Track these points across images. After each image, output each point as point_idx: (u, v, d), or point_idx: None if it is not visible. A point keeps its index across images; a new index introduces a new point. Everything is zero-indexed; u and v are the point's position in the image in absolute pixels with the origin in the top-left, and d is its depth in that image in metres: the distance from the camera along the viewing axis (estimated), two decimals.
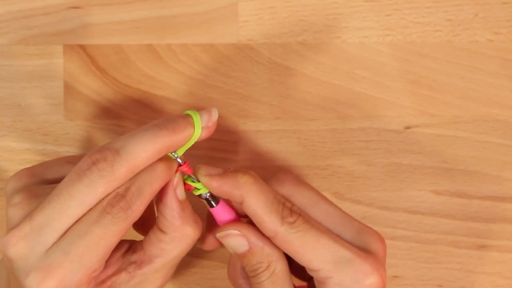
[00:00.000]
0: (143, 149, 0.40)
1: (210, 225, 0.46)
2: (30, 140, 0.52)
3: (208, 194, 0.44)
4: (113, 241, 0.40)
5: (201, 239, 0.45)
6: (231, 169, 0.43)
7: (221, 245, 0.44)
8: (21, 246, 0.39)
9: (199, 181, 0.43)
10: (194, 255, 0.52)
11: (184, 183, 0.43)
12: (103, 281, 0.42)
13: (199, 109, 0.44)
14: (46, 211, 0.39)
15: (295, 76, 0.53)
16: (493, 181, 0.53)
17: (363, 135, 0.53)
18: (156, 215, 0.43)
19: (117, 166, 0.40)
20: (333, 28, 0.53)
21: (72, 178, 0.40)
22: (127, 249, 0.44)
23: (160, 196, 0.43)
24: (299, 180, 0.44)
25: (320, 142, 0.53)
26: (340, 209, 0.44)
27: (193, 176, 0.43)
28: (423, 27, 0.53)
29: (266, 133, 0.53)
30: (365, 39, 0.53)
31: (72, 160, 0.45)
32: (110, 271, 0.43)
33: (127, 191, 0.40)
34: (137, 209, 0.40)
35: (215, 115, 0.43)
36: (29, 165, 0.52)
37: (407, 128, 0.53)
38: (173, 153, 0.42)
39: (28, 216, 0.40)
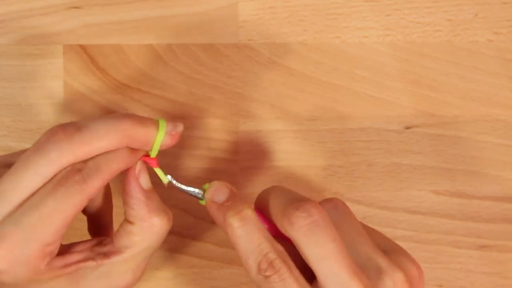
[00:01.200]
0: (105, 130, 0.40)
1: None
2: (30, 140, 0.52)
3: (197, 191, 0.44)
4: (68, 215, 0.39)
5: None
6: (236, 198, 0.42)
7: None
8: None
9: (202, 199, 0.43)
10: (194, 255, 0.52)
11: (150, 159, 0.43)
12: (67, 265, 0.41)
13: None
14: (2, 184, 0.39)
15: (295, 76, 0.53)
16: (493, 181, 0.53)
17: (363, 135, 0.53)
18: (124, 208, 0.43)
19: (76, 140, 0.39)
20: (333, 28, 0.53)
21: (30, 150, 0.40)
22: (97, 242, 0.43)
23: (124, 186, 0.42)
24: (315, 227, 0.40)
25: (320, 142, 0.53)
26: (346, 269, 0.39)
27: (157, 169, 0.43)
28: (423, 27, 0.53)
29: (266, 133, 0.53)
30: (365, 39, 0.53)
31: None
32: (76, 257, 0.42)
33: (84, 165, 0.40)
34: (93, 185, 0.40)
35: (180, 127, 0.42)
36: None
37: (407, 128, 0.53)
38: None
39: None
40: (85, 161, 0.40)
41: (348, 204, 0.52)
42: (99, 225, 0.46)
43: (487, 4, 0.53)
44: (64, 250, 0.42)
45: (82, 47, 0.52)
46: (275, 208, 0.41)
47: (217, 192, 0.42)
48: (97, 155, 0.40)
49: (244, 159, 0.52)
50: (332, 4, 0.53)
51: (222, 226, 0.41)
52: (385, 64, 0.53)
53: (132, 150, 0.42)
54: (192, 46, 0.53)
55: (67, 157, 0.39)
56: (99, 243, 0.43)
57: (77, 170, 0.39)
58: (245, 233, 0.40)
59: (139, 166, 0.42)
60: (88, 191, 0.40)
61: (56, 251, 0.41)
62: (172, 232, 0.52)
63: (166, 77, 0.52)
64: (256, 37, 0.53)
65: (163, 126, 0.42)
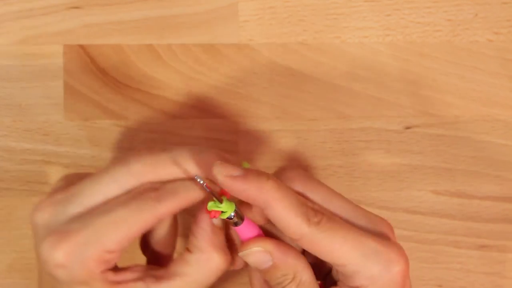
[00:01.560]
0: (196, 161, 0.40)
1: (232, 244, 0.45)
2: (30, 140, 0.52)
3: (233, 215, 0.42)
4: (134, 228, 0.39)
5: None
6: (252, 170, 0.41)
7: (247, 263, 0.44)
8: (47, 212, 0.40)
9: (221, 203, 0.42)
10: None
11: (209, 211, 0.42)
12: (118, 282, 0.42)
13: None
14: (82, 185, 0.40)
15: (295, 76, 0.53)
16: (493, 181, 0.53)
17: (363, 135, 0.53)
18: (189, 237, 0.43)
19: (161, 160, 0.40)
20: (333, 28, 0.53)
21: (116, 161, 0.41)
22: (153, 267, 0.43)
23: (196, 217, 0.42)
24: (309, 177, 0.44)
25: (320, 142, 0.53)
26: (351, 202, 0.43)
27: (216, 197, 0.41)
28: (423, 27, 0.53)
29: (266, 133, 0.53)
30: (365, 39, 0.53)
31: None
32: (129, 276, 0.42)
33: (162, 186, 0.40)
34: (166, 206, 0.40)
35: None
36: (29, 165, 0.52)
37: (407, 128, 0.53)
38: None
39: (64, 188, 0.41)
40: (164, 183, 0.40)
41: None
42: (158, 257, 0.46)
43: (487, 4, 0.53)
44: (120, 268, 0.42)
45: (82, 47, 0.52)
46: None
47: (229, 167, 0.40)
48: (177, 180, 0.41)
49: (244, 159, 0.52)
50: (332, 4, 0.53)
51: (254, 199, 0.40)
52: (385, 64, 0.53)
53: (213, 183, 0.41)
54: (192, 46, 0.53)
55: (148, 173, 0.40)
56: (154, 268, 0.43)
57: (154, 189, 0.40)
58: (284, 192, 0.41)
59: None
60: (159, 211, 0.40)
61: (114, 262, 0.41)
62: None
63: (166, 77, 0.52)
64: (256, 37, 0.53)
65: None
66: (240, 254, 0.42)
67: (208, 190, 0.40)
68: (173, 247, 0.46)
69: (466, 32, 0.53)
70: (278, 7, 0.53)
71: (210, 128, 0.52)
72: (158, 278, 0.42)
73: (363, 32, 0.53)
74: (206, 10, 0.53)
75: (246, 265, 0.44)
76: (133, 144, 0.52)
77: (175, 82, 0.52)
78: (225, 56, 0.53)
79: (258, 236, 0.43)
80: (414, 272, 0.53)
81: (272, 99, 0.53)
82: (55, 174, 0.52)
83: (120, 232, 0.39)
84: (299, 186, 0.43)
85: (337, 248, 0.41)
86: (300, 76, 0.53)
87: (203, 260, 0.42)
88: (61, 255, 0.39)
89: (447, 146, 0.53)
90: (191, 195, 0.41)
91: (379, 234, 0.42)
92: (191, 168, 0.41)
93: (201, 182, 0.40)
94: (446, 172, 0.53)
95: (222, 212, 0.41)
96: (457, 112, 0.53)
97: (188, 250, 0.42)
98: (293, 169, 0.44)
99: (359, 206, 0.43)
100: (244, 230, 0.42)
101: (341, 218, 0.42)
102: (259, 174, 0.41)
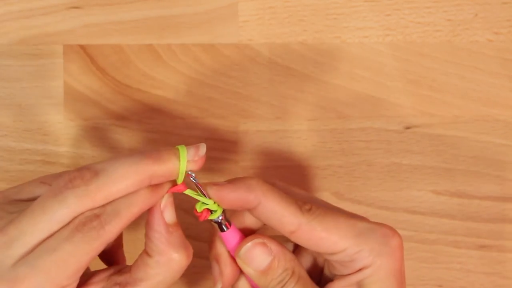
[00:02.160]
0: (123, 173, 0.39)
1: (220, 262, 0.44)
2: (30, 140, 0.52)
3: (220, 218, 0.42)
4: (84, 259, 0.39)
5: (216, 279, 0.44)
6: (231, 179, 0.42)
7: (239, 274, 0.43)
8: None
9: (207, 203, 0.42)
10: (194, 255, 0.52)
11: (198, 213, 0.42)
12: None
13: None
14: (19, 225, 0.39)
15: (295, 76, 0.53)
16: (493, 181, 0.53)
17: (363, 135, 0.53)
18: (145, 239, 0.42)
19: (93, 186, 0.39)
20: (333, 28, 0.53)
21: (48, 194, 0.39)
22: (114, 271, 0.43)
23: (147, 218, 0.42)
24: (265, 184, 0.42)
25: (320, 142, 0.53)
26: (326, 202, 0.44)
27: (197, 194, 0.42)
28: (423, 27, 0.53)
29: (266, 133, 0.53)
30: (365, 39, 0.53)
31: (46, 181, 0.43)
32: None
33: (102, 211, 0.39)
34: (111, 230, 0.39)
35: (202, 150, 0.41)
36: (29, 165, 0.52)
37: (407, 128, 0.53)
38: (190, 172, 0.41)
39: (0, 230, 0.39)
40: (104, 206, 0.39)
41: (348, 204, 0.52)
42: (111, 257, 0.46)
43: (487, 4, 0.53)
44: (82, 281, 0.42)
45: (82, 47, 0.52)
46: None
47: (215, 183, 0.41)
48: (116, 199, 0.40)
49: (244, 159, 0.52)
50: (332, 4, 0.53)
51: (245, 199, 0.41)
52: (385, 64, 0.53)
53: (155, 187, 0.41)
54: (192, 46, 0.53)
55: (85, 203, 0.39)
56: (118, 272, 0.43)
57: (95, 216, 0.39)
58: (270, 187, 0.41)
59: (165, 200, 0.41)
60: (105, 236, 0.39)
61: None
62: None
63: (166, 77, 0.52)
64: (256, 37, 0.53)
65: (184, 154, 0.41)
66: (239, 254, 0.42)
67: (199, 187, 0.41)
68: (121, 246, 0.46)
69: (466, 32, 0.53)
70: (278, 7, 0.53)
71: (210, 128, 0.52)
72: (123, 285, 0.41)
73: (363, 32, 0.53)
74: (206, 10, 0.53)
75: (236, 277, 0.43)
76: (133, 144, 0.52)
77: (175, 82, 0.52)
78: (225, 56, 0.53)
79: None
80: (414, 272, 0.53)
81: (272, 99, 0.53)
82: None
83: (70, 268, 0.39)
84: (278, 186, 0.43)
85: (333, 233, 0.41)
86: (300, 76, 0.53)
87: (164, 262, 0.41)
88: None
89: (447, 146, 0.53)
90: (134, 210, 0.40)
91: (363, 219, 0.43)
92: (126, 184, 0.39)
93: (194, 180, 0.40)
94: (446, 172, 0.53)
95: (211, 213, 0.42)
96: (457, 112, 0.53)
97: (147, 253, 0.41)
98: (250, 178, 0.43)
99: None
100: (231, 237, 0.42)
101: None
102: (242, 177, 0.41)
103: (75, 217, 0.39)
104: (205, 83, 0.53)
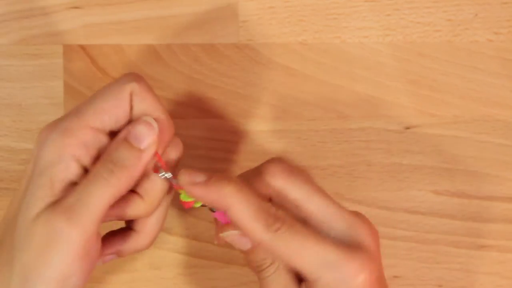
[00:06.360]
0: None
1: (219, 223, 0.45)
2: (30, 140, 0.52)
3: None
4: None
5: (215, 238, 0.45)
6: (216, 175, 0.42)
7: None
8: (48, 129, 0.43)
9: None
10: (194, 255, 0.52)
11: (184, 202, 0.43)
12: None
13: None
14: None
15: (295, 76, 0.53)
16: (493, 181, 0.53)
17: (363, 135, 0.53)
18: None
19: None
20: (333, 28, 0.53)
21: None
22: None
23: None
24: (292, 171, 0.43)
25: (320, 142, 0.53)
26: (332, 202, 0.43)
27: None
28: (423, 27, 0.53)
29: (266, 133, 0.53)
30: (365, 39, 0.53)
31: None
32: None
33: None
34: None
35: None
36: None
37: (407, 128, 0.53)
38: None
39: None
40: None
41: (348, 204, 0.52)
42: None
43: (487, 4, 0.53)
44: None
45: (82, 47, 0.52)
46: (250, 178, 0.43)
47: (193, 174, 0.42)
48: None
49: (244, 159, 0.52)
50: (332, 4, 0.53)
51: (214, 203, 0.42)
52: (385, 64, 0.53)
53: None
54: (192, 46, 0.53)
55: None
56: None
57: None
58: (244, 196, 0.41)
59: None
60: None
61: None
62: (172, 232, 0.52)
63: (166, 77, 0.52)
64: (256, 37, 0.53)
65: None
66: (221, 235, 0.43)
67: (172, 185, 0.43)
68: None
69: (466, 32, 0.53)
70: (278, 7, 0.53)
71: (210, 128, 0.52)
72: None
73: (363, 32, 0.53)
74: (206, 10, 0.53)
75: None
76: None
77: (175, 82, 0.52)
78: (225, 56, 0.53)
79: None
80: (414, 272, 0.53)
81: (272, 99, 0.53)
82: None
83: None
84: (280, 182, 0.43)
85: (295, 256, 0.41)
86: (300, 76, 0.53)
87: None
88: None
89: (447, 146, 0.53)
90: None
91: (351, 240, 0.42)
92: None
93: (167, 176, 0.43)
94: (446, 172, 0.53)
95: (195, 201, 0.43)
96: (457, 112, 0.53)
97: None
98: (278, 163, 0.44)
99: (341, 207, 0.43)
100: (223, 216, 0.43)
101: (314, 218, 0.42)
102: (221, 178, 0.42)
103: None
104: (205, 83, 0.53)
